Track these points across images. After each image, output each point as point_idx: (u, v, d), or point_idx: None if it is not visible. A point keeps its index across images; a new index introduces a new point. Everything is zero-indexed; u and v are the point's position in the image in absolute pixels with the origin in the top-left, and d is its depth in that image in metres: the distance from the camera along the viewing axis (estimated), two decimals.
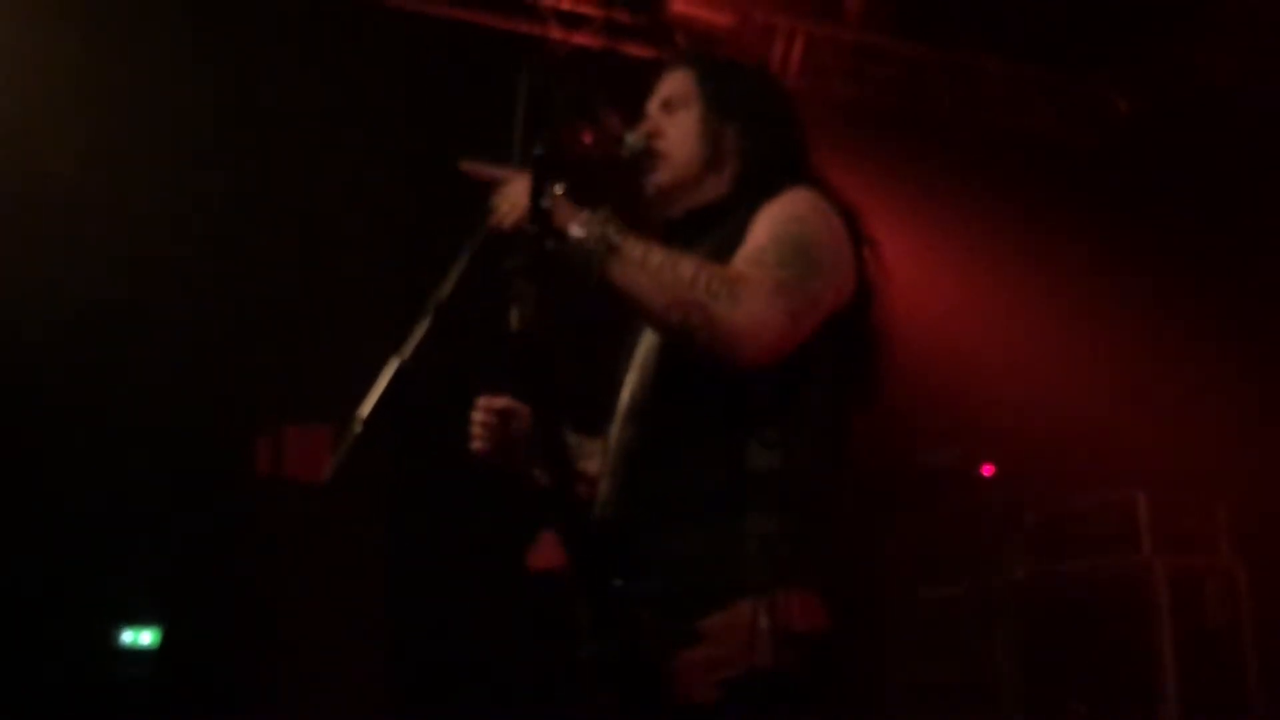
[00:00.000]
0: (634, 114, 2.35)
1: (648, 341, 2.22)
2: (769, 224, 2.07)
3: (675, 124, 2.28)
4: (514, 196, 2.05)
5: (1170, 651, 4.91)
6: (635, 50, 6.29)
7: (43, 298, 5.12)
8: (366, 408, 2.07)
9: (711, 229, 2.19)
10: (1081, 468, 5.76)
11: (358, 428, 2.05)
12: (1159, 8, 6.26)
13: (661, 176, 2.26)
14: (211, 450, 5.40)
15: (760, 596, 1.92)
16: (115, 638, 5.29)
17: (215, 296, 5.48)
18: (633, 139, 2.27)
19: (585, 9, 6.21)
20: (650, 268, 1.93)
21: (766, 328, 1.93)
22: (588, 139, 2.18)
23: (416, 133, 5.90)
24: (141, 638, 5.32)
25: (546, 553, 1.92)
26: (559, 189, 2.00)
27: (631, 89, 2.39)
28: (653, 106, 2.34)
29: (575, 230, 1.96)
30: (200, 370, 5.43)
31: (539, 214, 1.96)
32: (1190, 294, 6.13)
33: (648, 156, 2.26)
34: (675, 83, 2.34)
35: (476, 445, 2.35)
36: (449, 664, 5.48)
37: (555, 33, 6.07)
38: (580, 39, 6.12)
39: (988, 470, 6.01)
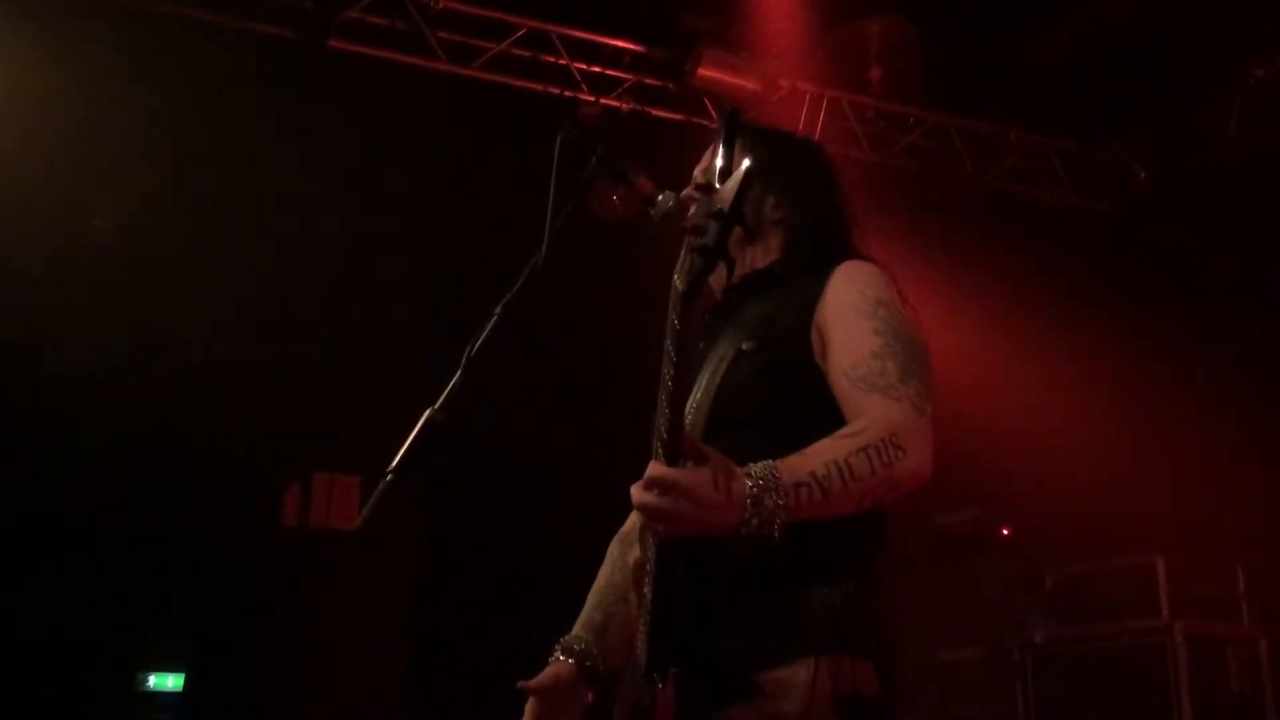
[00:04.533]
0: (664, 175, 2.40)
1: (709, 385, 2.21)
2: (859, 315, 2.11)
3: None
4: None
5: (1190, 716, 4.88)
6: (663, 113, 6.43)
7: (79, 349, 5.22)
8: (397, 459, 2.08)
9: (767, 292, 2.27)
10: (1100, 532, 5.75)
11: (387, 479, 2.06)
12: (1176, 79, 6.33)
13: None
14: (239, 499, 5.46)
15: (821, 658, 1.97)
16: (141, 682, 5.34)
17: (246, 349, 5.57)
18: (662, 199, 2.34)
19: (615, 73, 6.35)
20: (833, 492, 1.89)
21: (929, 450, 2.00)
22: (618, 199, 2.22)
23: (452, 191, 6.02)
24: (166, 682, 5.36)
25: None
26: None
27: (661, 150, 2.42)
28: (696, 174, 2.35)
29: (749, 519, 1.84)
30: (229, 421, 5.50)
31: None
32: (1209, 359, 6.14)
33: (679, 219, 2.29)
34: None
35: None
36: (472, 715, 5.49)
37: (586, 95, 6.20)
38: (610, 102, 6.26)
39: (1005, 532, 6.01)
